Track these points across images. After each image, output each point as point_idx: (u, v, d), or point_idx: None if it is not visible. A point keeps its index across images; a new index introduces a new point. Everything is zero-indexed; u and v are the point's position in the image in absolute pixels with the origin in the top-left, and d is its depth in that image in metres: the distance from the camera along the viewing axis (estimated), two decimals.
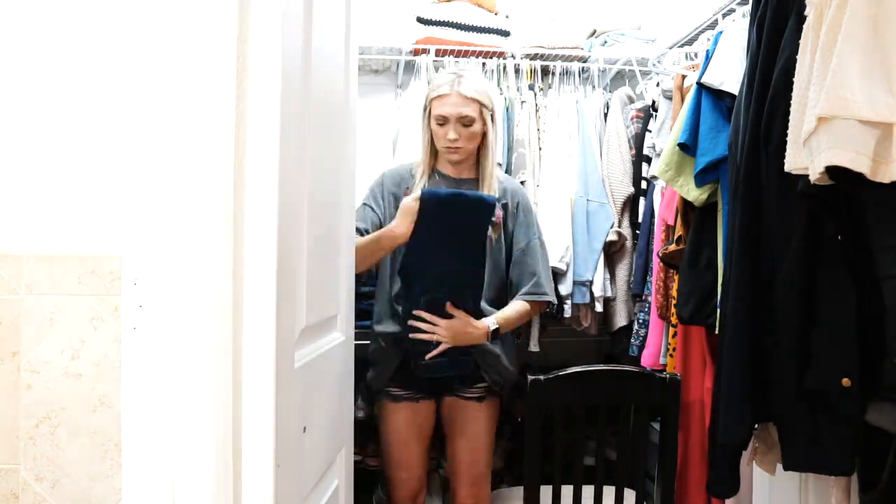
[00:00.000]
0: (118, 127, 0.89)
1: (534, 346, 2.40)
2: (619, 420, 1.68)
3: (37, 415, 0.89)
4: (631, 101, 2.55)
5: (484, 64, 2.58)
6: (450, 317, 1.75)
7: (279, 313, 0.91)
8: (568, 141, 2.46)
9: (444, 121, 1.82)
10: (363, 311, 1.94)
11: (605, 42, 2.71)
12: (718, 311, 1.52)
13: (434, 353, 1.75)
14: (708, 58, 1.67)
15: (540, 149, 2.45)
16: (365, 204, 1.89)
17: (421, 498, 1.97)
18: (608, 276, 2.44)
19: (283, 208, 0.92)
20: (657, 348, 2.13)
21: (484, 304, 1.84)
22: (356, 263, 1.51)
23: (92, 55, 0.89)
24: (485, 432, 1.92)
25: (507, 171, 2.38)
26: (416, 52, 2.61)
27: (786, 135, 1.06)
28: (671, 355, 2.03)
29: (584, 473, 1.66)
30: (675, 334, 2.01)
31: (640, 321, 2.30)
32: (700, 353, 1.94)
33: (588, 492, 1.67)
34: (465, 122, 1.81)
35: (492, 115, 1.88)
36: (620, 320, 2.44)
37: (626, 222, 2.44)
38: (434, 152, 1.90)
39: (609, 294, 2.43)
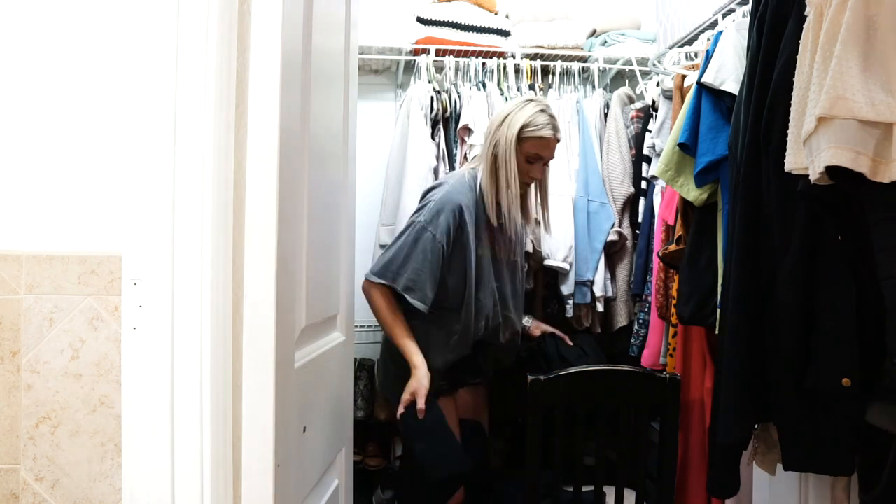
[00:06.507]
0: (118, 128, 0.89)
1: None
2: (619, 420, 1.67)
3: (37, 415, 0.89)
4: (631, 101, 2.55)
5: (484, 64, 2.58)
6: None
7: (279, 313, 0.91)
8: (568, 141, 2.46)
9: (536, 159, 1.84)
10: None
11: (605, 42, 2.71)
12: (718, 311, 1.51)
13: None
14: (708, 58, 1.67)
15: None
16: (435, 237, 1.74)
17: None
18: (608, 276, 2.44)
19: (283, 209, 0.92)
20: (657, 348, 2.13)
21: None
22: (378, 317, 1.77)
23: (97, 57, 0.89)
24: None
25: None
26: (416, 52, 2.61)
27: (786, 135, 1.06)
28: (671, 355, 2.03)
29: (584, 473, 1.66)
30: (675, 334, 2.01)
31: (640, 321, 2.30)
32: (700, 353, 1.93)
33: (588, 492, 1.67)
34: (547, 163, 1.89)
35: None
36: (621, 320, 2.44)
37: (626, 222, 2.44)
38: (497, 180, 1.83)
39: (609, 294, 2.43)
